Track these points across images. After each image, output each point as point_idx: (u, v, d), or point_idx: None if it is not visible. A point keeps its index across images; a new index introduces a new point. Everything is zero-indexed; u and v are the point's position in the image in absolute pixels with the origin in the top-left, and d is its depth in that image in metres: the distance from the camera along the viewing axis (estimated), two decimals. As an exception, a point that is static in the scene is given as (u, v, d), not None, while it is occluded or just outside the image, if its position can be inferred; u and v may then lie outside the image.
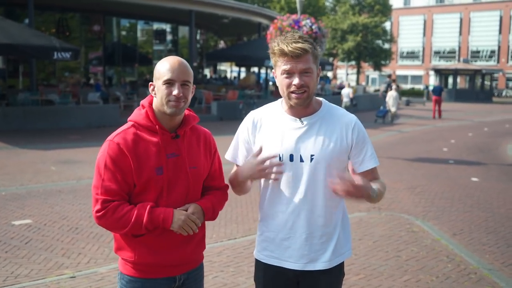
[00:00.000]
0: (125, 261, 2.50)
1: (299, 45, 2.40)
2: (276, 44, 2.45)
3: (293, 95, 2.46)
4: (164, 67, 2.39)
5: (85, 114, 18.58)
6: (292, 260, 2.60)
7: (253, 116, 2.67)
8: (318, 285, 2.62)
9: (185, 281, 2.60)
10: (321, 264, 2.59)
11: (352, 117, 2.62)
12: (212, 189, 2.66)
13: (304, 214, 2.55)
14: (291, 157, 2.54)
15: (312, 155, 2.51)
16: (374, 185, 2.55)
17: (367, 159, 2.60)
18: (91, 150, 12.17)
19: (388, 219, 7.48)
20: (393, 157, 13.24)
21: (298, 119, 2.55)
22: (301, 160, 2.52)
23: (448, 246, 6.34)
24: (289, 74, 2.44)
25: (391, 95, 22.11)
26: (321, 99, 2.64)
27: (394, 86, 23.21)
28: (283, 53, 2.42)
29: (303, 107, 2.53)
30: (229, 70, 55.56)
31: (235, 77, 42.48)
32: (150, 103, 2.48)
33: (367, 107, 30.89)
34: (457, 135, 18.82)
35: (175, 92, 2.36)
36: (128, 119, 2.50)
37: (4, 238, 6.29)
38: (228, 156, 2.75)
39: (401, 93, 41.74)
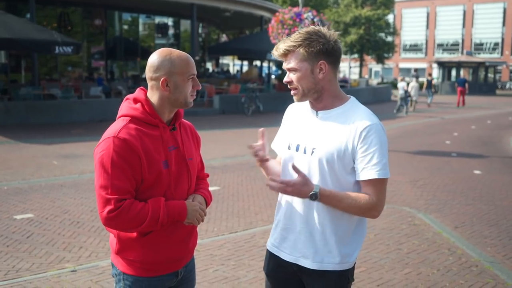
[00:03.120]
0: (130, 261, 2.45)
1: (285, 44, 2.48)
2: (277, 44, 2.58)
3: (291, 92, 2.55)
4: (184, 62, 2.38)
5: (87, 108, 18.58)
6: (287, 251, 2.60)
7: (290, 107, 2.78)
8: (314, 285, 2.58)
9: (184, 273, 2.62)
10: (312, 263, 2.53)
11: (368, 120, 2.45)
12: (198, 179, 2.69)
13: (301, 206, 2.53)
14: (297, 147, 2.55)
15: (313, 148, 2.49)
16: (339, 194, 2.43)
17: (368, 168, 2.41)
18: (93, 144, 12.12)
19: (389, 212, 7.47)
20: (396, 150, 13.21)
21: (315, 112, 2.56)
22: (304, 152, 2.52)
23: (450, 239, 6.33)
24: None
25: (413, 85, 24.49)
26: (350, 96, 2.60)
27: (414, 78, 26.23)
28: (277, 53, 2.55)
29: (322, 100, 2.53)
30: (232, 63, 55.52)
31: (237, 71, 42.44)
32: (145, 97, 2.45)
33: (371, 100, 30.81)
34: (460, 128, 18.78)
35: (199, 86, 2.45)
36: (121, 114, 2.44)
37: (5, 232, 6.30)
38: (272, 145, 2.81)
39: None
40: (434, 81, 30.30)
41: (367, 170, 2.41)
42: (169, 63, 2.36)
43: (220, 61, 47.60)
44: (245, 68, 39.05)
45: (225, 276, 5.12)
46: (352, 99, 2.59)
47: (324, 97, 2.52)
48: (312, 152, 2.49)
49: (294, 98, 2.55)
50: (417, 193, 8.71)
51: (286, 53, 2.48)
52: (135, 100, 2.44)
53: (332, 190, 2.44)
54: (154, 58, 2.39)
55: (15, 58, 26.25)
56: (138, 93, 2.47)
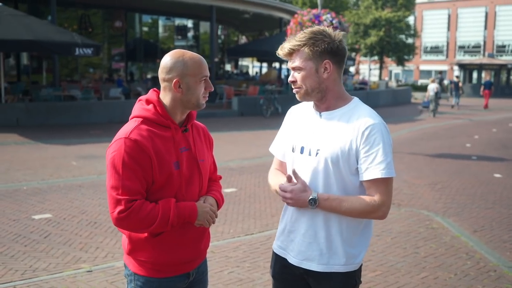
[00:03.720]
0: (142, 262, 2.46)
1: (290, 44, 2.48)
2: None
3: (293, 90, 2.56)
4: (197, 63, 2.39)
5: (107, 109, 18.72)
6: (292, 254, 2.59)
7: (291, 109, 2.77)
8: (321, 287, 2.57)
9: (196, 274, 2.61)
10: (317, 265, 2.52)
11: (371, 119, 2.43)
12: (210, 181, 2.69)
13: (306, 209, 2.51)
14: (302, 150, 2.53)
15: (318, 150, 2.47)
16: (338, 198, 2.42)
17: (372, 167, 2.39)
18: (111, 145, 12.24)
19: (407, 215, 7.40)
20: (415, 153, 13.10)
21: (318, 113, 2.55)
22: (309, 154, 2.50)
23: (468, 243, 6.25)
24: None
25: (431, 87, 24.44)
26: (353, 97, 2.58)
27: (437, 80, 26.94)
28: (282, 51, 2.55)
29: (325, 101, 2.52)
30: (251, 65, 55.56)
31: (256, 73, 42.45)
32: (158, 98, 2.46)
33: (390, 103, 30.61)
34: (481, 131, 18.56)
35: (211, 87, 2.46)
36: (134, 115, 2.44)
37: (24, 232, 6.36)
38: (270, 148, 2.82)
39: (425, 88, 42.00)
40: (461, 84, 30.58)
41: (371, 170, 2.39)
42: (181, 64, 2.36)
43: (240, 63, 47.73)
44: (264, 70, 38.99)
45: (240, 278, 5.11)
46: (356, 99, 2.56)
47: (328, 97, 2.51)
48: (317, 154, 2.47)
49: (297, 96, 2.54)
50: (435, 196, 8.62)
51: (291, 52, 2.49)
52: (148, 101, 2.45)
53: (330, 194, 2.44)
54: (167, 60, 2.40)
55: (37, 59, 26.62)
56: (150, 94, 2.48)
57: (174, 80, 2.37)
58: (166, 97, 2.43)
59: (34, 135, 14.49)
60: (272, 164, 2.81)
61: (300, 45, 2.46)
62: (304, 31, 2.49)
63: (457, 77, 32.98)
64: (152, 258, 2.43)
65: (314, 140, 2.50)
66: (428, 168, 11.17)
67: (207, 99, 2.48)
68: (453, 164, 11.66)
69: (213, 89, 2.50)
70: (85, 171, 10.07)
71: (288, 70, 29.10)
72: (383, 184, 2.41)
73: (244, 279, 5.09)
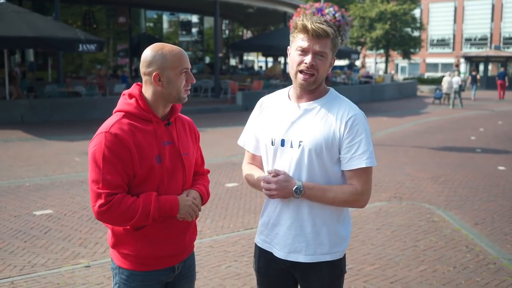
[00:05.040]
0: (125, 255, 2.47)
1: (323, 26, 2.37)
2: (301, 19, 2.42)
3: (301, 75, 2.43)
4: (176, 56, 2.37)
5: (111, 105, 18.06)
6: (278, 247, 2.58)
7: (262, 101, 2.69)
8: (308, 278, 2.56)
9: (182, 269, 2.61)
10: (304, 257, 2.52)
11: (352, 110, 2.45)
12: (196, 174, 2.67)
13: (290, 201, 2.50)
14: (282, 142, 2.51)
15: (300, 141, 2.45)
16: (323, 187, 2.43)
17: (355, 157, 2.41)
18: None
19: (408, 208, 7.38)
20: (419, 146, 13.05)
21: (296, 104, 2.51)
22: (291, 146, 2.48)
23: (468, 236, 6.22)
24: (304, 52, 2.41)
25: (446, 80, 25.86)
26: (329, 88, 2.58)
27: (449, 73, 27.44)
28: (304, 29, 2.39)
29: (306, 92, 2.49)
30: (256, 60, 55.48)
31: (261, 67, 42.39)
32: (140, 92, 2.45)
33: (396, 96, 30.50)
34: (487, 123, 18.46)
35: (192, 79, 2.42)
36: (116, 109, 2.45)
37: (24, 228, 6.38)
38: (239, 141, 2.77)
39: (431, 81, 42.08)
40: (479, 76, 31.70)
41: (355, 160, 2.42)
42: (161, 57, 2.35)
43: (245, 57, 47.66)
44: (269, 65, 38.92)
45: (237, 272, 5.10)
46: (332, 90, 2.57)
47: (319, 88, 2.50)
48: (299, 145, 2.45)
49: (303, 82, 2.43)
50: (438, 189, 8.58)
51: (321, 36, 2.38)
52: (130, 96, 2.45)
53: (315, 184, 2.43)
54: (146, 53, 2.40)
55: (42, 56, 26.68)
56: (133, 88, 2.48)
57: (154, 74, 2.36)
58: (147, 91, 2.43)
59: (38, 132, 14.53)
60: (244, 158, 2.76)
61: (333, 32, 2.41)
62: (326, 19, 2.43)
63: (474, 70, 33.82)
64: (135, 251, 2.43)
65: (295, 132, 2.47)
66: (432, 161, 11.12)
67: (189, 92, 2.47)
68: (457, 157, 11.60)
69: (194, 81, 2.47)
70: (88, 167, 10.06)
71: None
72: (365, 173, 2.44)
73: (241, 273, 5.08)
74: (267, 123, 2.59)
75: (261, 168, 2.66)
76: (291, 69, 2.48)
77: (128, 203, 2.30)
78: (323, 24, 2.38)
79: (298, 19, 2.43)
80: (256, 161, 2.69)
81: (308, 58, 2.39)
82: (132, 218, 2.31)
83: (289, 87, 2.62)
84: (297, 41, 2.43)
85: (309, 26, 2.36)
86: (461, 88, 25.20)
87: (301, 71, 2.42)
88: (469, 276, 5.03)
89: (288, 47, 2.53)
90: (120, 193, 2.31)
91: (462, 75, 40.02)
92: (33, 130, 14.86)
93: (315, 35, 2.37)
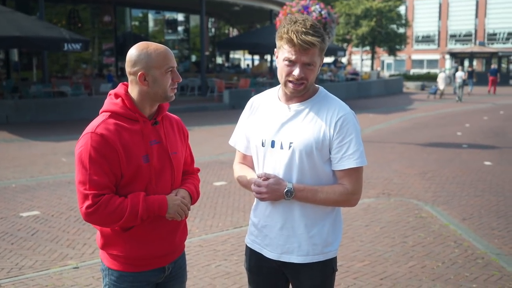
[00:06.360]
0: (114, 256, 2.44)
1: (309, 38, 2.29)
2: (286, 30, 2.33)
3: (290, 85, 2.39)
4: (161, 55, 2.34)
5: (97, 105, 18.03)
6: (269, 248, 2.56)
7: (252, 101, 2.67)
8: (300, 277, 2.55)
9: (172, 269, 2.59)
10: (296, 257, 2.51)
11: (341, 110, 2.43)
12: (186, 173, 2.65)
13: (280, 202, 2.49)
14: (273, 144, 2.49)
15: (291, 143, 2.44)
16: (313, 188, 2.41)
17: (346, 157, 2.40)
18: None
19: (396, 205, 7.40)
20: (406, 143, 13.11)
21: (286, 106, 2.49)
22: (281, 147, 2.46)
23: (457, 231, 6.25)
24: (292, 63, 2.35)
25: (441, 76, 27.74)
26: (318, 86, 2.54)
27: (443, 69, 30.07)
28: (291, 42, 2.32)
29: (296, 95, 2.47)
30: (243, 58, 55.44)
31: (247, 65, 42.36)
32: (126, 92, 2.43)
33: (382, 92, 30.63)
34: (472, 119, 18.59)
35: (179, 78, 2.40)
36: (102, 109, 2.43)
37: (11, 230, 6.32)
38: (230, 141, 2.76)
39: (416, 77, 42.46)
40: (475, 72, 33.84)
41: (345, 160, 2.41)
42: (146, 57, 2.33)
43: (232, 55, 47.58)
44: (256, 63, 38.89)
45: (227, 271, 5.09)
46: (322, 89, 2.54)
47: (309, 91, 2.47)
48: (290, 147, 2.44)
49: (293, 91, 2.40)
50: (425, 185, 8.62)
51: (308, 48, 2.32)
52: (116, 95, 2.43)
53: (306, 185, 2.42)
54: (131, 53, 2.37)
55: (27, 56, 26.43)
56: (119, 88, 2.45)
57: (139, 73, 2.34)
58: (133, 91, 2.41)
59: (24, 132, 14.41)
60: (235, 158, 2.76)
61: (319, 41, 2.33)
62: (311, 23, 2.33)
63: (470, 66, 35.43)
64: (124, 252, 2.41)
65: (285, 134, 2.46)
66: (419, 157, 11.17)
67: (175, 90, 2.44)
68: (444, 153, 11.66)
69: (181, 80, 2.44)
70: (74, 168, 9.99)
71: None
72: (356, 173, 2.44)
73: (231, 272, 5.07)
74: (258, 124, 2.56)
75: (253, 167, 2.65)
76: (280, 76, 2.43)
77: (116, 203, 2.28)
78: (309, 34, 2.29)
79: (283, 29, 2.35)
80: (247, 161, 2.68)
81: (296, 71, 2.34)
82: (120, 218, 2.28)
83: (278, 87, 2.59)
84: (284, 52, 2.36)
85: (295, 40, 2.29)
86: (465, 82, 26.69)
87: (290, 81, 2.39)
88: (458, 271, 5.05)
89: (275, 49, 2.47)
90: (108, 193, 2.29)
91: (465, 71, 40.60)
92: (18, 130, 14.73)
93: (302, 49, 2.31)
